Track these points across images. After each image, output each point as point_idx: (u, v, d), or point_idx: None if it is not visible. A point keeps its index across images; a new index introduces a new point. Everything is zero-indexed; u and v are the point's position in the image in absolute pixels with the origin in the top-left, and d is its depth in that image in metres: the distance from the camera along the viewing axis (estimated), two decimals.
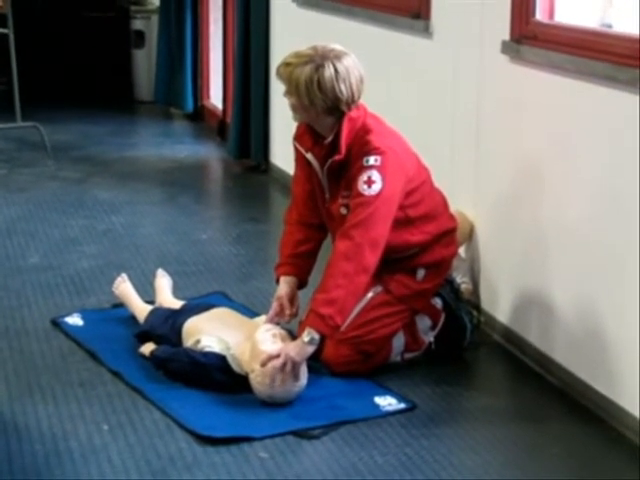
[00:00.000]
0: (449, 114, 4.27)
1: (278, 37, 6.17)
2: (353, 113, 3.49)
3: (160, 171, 6.67)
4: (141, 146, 7.42)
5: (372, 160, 3.43)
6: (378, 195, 3.40)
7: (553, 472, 3.04)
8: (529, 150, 3.74)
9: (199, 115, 8.07)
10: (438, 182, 3.76)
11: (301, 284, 3.69)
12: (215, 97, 7.91)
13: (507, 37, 3.79)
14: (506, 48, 3.79)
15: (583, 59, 3.36)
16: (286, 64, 3.48)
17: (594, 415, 3.36)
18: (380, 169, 3.41)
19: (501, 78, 3.89)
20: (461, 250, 4.10)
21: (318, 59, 3.42)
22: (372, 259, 3.38)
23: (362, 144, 3.46)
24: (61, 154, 6.93)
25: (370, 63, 4.78)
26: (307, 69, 3.41)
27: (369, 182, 3.41)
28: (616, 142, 3.25)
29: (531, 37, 3.67)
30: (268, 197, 6.23)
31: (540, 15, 3.69)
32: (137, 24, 8.77)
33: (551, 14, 3.70)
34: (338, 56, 3.44)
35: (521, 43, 3.71)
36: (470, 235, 4.12)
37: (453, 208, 3.87)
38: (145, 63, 8.76)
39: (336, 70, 3.41)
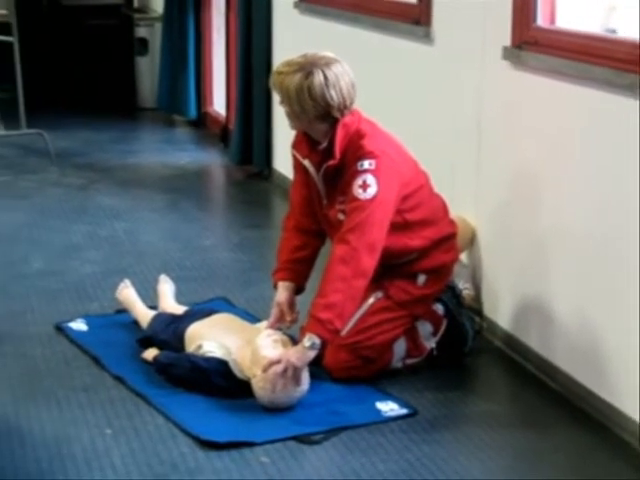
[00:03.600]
0: (450, 120, 4.28)
1: (280, 44, 6.19)
2: (347, 119, 3.50)
3: (163, 178, 6.68)
4: (144, 153, 7.43)
5: (366, 164, 3.44)
6: (373, 199, 3.40)
7: (554, 478, 3.03)
8: (530, 156, 3.74)
9: (202, 122, 8.08)
10: (439, 188, 3.77)
11: (299, 290, 3.70)
12: (218, 104, 7.92)
13: (508, 43, 3.80)
14: (507, 54, 3.80)
15: (584, 64, 3.36)
16: (278, 73, 3.50)
17: (596, 421, 3.36)
18: (374, 173, 3.42)
19: (502, 84, 3.90)
20: (463, 256, 4.10)
21: (308, 67, 3.43)
22: (369, 263, 3.39)
23: (356, 149, 3.47)
24: (65, 161, 6.94)
25: (371, 69, 4.81)
26: (297, 77, 3.42)
27: (364, 186, 3.41)
28: (618, 147, 3.25)
29: (532, 43, 3.68)
30: (270, 203, 6.23)
31: (541, 20, 3.70)
32: (140, 32, 8.79)
33: (552, 19, 3.71)
34: (327, 63, 3.46)
35: (522, 49, 3.71)
36: (471, 241, 4.12)
37: (454, 214, 3.87)
38: (148, 70, 8.78)
39: (325, 77, 3.42)
